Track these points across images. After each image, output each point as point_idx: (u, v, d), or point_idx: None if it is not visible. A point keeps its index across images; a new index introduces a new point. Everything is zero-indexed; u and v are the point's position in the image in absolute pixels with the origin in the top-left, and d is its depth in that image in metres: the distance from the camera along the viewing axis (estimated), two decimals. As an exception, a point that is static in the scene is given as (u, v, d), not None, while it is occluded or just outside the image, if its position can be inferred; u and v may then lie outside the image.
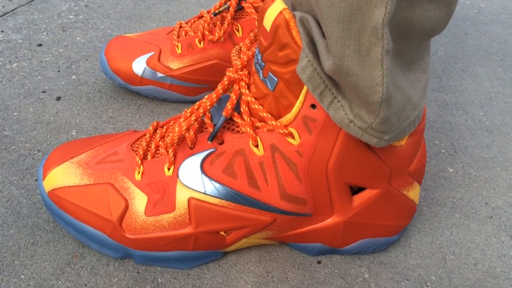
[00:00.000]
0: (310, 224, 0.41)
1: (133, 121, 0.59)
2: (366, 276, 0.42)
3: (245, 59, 0.40)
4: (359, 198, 0.40)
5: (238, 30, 0.57)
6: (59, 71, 0.67)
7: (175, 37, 0.60)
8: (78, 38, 0.75)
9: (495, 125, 0.63)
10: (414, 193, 0.42)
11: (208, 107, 0.39)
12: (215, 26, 0.58)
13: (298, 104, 0.36)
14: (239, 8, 0.58)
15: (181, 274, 0.41)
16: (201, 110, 0.39)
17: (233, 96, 0.39)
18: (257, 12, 0.57)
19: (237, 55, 0.41)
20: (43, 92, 0.62)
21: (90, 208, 0.41)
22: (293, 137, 0.37)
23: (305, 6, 0.34)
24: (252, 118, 0.39)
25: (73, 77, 0.66)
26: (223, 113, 0.39)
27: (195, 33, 0.59)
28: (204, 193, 0.39)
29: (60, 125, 0.57)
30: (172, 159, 0.40)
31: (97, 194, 0.41)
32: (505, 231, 0.48)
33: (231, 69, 0.40)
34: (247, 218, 0.40)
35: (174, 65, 0.59)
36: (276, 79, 0.36)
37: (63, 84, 0.64)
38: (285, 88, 0.36)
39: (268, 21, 0.35)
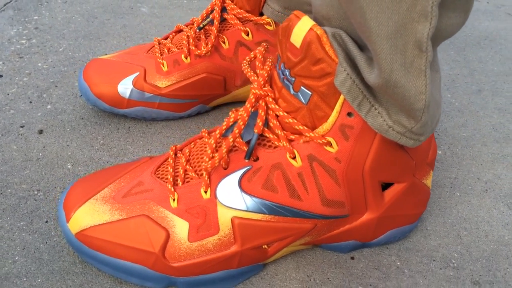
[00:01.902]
0: (345, 224, 0.43)
1: (127, 145, 0.57)
2: (398, 263, 0.45)
3: (266, 75, 0.41)
4: (389, 193, 0.43)
5: (224, 42, 0.58)
6: (30, 102, 0.63)
7: (159, 55, 0.59)
8: (40, 64, 0.71)
9: (464, 105, 0.68)
10: (429, 180, 0.46)
11: (242, 127, 0.40)
12: (199, 40, 0.58)
13: (334, 113, 0.37)
14: (222, 20, 0.58)
15: (232, 293, 0.42)
16: (236, 131, 0.39)
17: (261, 112, 0.40)
18: (241, 23, 0.57)
19: (248, 68, 0.42)
20: (22, 127, 0.59)
21: (127, 243, 0.40)
22: (331, 146, 0.38)
23: (335, 21, 0.36)
24: (285, 132, 0.40)
25: (49, 106, 0.63)
26: (255, 130, 0.40)
27: (179, 49, 0.59)
28: (247, 211, 0.40)
29: (51, 160, 0.54)
30: (208, 182, 0.41)
31: (133, 228, 0.41)
32: (502, 201, 0.52)
33: (254, 85, 0.41)
34: (290, 228, 0.41)
35: (162, 83, 0.58)
36: (310, 93, 0.37)
37: (40, 116, 0.61)
38: (320, 100, 0.37)
39: (297, 38, 0.36)
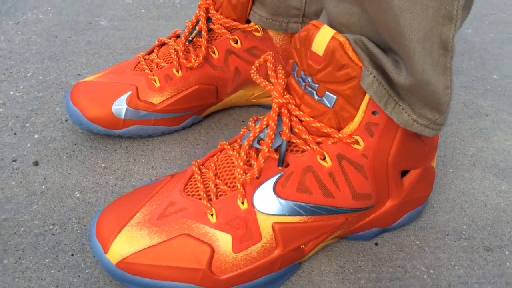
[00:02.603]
0: (371, 214, 0.46)
1: (130, 165, 0.57)
2: (418, 242, 0.49)
3: (283, 83, 0.43)
4: (407, 180, 0.46)
5: (214, 52, 0.59)
6: (15, 133, 0.61)
7: (148, 71, 0.59)
8: (12, 93, 0.68)
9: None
10: (435, 162, 0.50)
11: (273, 136, 0.41)
12: (188, 52, 0.59)
13: (360, 113, 0.40)
14: (208, 31, 0.59)
15: (279, 295, 0.44)
16: (268, 140, 0.41)
17: (286, 120, 0.42)
18: (229, 31, 0.58)
19: (257, 75, 0.43)
20: (14, 161, 0.57)
21: (172, 264, 0.41)
22: (358, 143, 0.41)
23: (355, 27, 0.38)
24: (312, 135, 0.42)
25: (36, 136, 0.61)
26: (283, 137, 0.42)
27: (169, 63, 0.59)
28: (285, 215, 0.42)
29: (57, 191, 0.53)
30: (244, 193, 0.42)
31: (176, 248, 0.41)
32: (490, 172, 0.58)
33: (274, 94, 0.42)
34: (326, 225, 0.43)
35: (156, 99, 0.58)
36: (335, 96, 0.40)
37: (30, 147, 0.59)
38: (345, 102, 0.40)
39: (319, 46, 0.38)
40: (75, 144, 0.60)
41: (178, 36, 0.62)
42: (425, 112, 0.38)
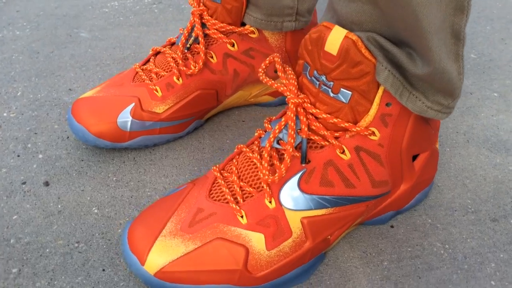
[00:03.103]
0: (387, 199, 0.49)
1: (141, 176, 0.58)
2: (430, 221, 0.52)
3: (295, 83, 0.45)
4: (417, 163, 0.49)
5: (212, 57, 0.60)
6: (18, 156, 0.60)
7: (148, 81, 0.59)
8: (5, 114, 0.67)
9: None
10: (437, 144, 0.53)
11: (295, 135, 0.43)
12: (187, 59, 0.60)
13: (375, 106, 0.42)
14: (204, 36, 0.60)
15: (307, 287, 0.46)
16: (291, 140, 0.43)
17: (303, 118, 0.44)
18: (225, 35, 0.60)
19: (266, 77, 0.45)
20: (23, 183, 0.57)
21: (210, 267, 0.42)
22: (374, 134, 0.43)
23: (367, 25, 0.40)
24: (329, 131, 0.44)
25: (40, 156, 0.60)
26: (302, 135, 0.44)
27: (168, 71, 0.60)
28: (312, 209, 0.44)
29: (74, 209, 0.53)
30: (270, 192, 0.44)
31: (211, 252, 0.43)
32: (483, 147, 0.61)
33: (288, 94, 0.44)
34: (349, 214, 0.46)
35: (160, 108, 0.59)
36: (350, 92, 0.42)
37: (37, 168, 0.59)
38: (360, 97, 0.42)
39: (333, 46, 0.40)
40: (82, 160, 0.60)
41: (172, 44, 0.63)
42: (438, 98, 0.41)
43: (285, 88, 0.45)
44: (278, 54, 0.47)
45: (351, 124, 0.43)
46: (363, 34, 0.40)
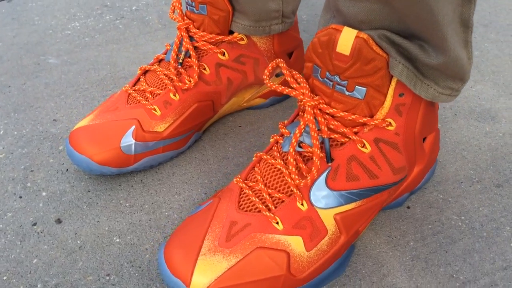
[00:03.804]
0: (404, 183, 0.51)
1: (154, 197, 0.57)
2: (441, 196, 0.55)
3: (307, 86, 0.46)
4: (426, 145, 0.51)
5: (205, 69, 0.60)
6: (20, 197, 0.59)
7: (145, 102, 0.59)
8: (-7, 156, 0.65)
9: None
10: (437, 123, 0.56)
11: (318, 136, 0.44)
12: (180, 75, 0.60)
13: (389, 98, 0.44)
14: (194, 49, 0.60)
15: (344, 279, 0.47)
16: (317, 142, 0.44)
17: (321, 119, 0.45)
18: (215, 46, 0.60)
19: (269, 81, 0.46)
20: (34, 224, 0.55)
21: (254, 278, 0.43)
22: (390, 125, 0.45)
23: (376, 23, 0.42)
24: (348, 128, 0.45)
25: (44, 194, 0.59)
26: (323, 135, 0.45)
27: (163, 89, 0.59)
28: (342, 205, 0.45)
29: (95, 242, 0.53)
30: (301, 195, 0.45)
31: (254, 262, 0.43)
32: (471, 118, 0.65)
33: (302, 98, 0.45)
34: (375, 204, 0.47)
35: (161, 127, 0.59)
36: (365, 88, 0.43)
37: (44, 206, 0.57)
38: (374, 91, 0.44)
39: (344, 47, 0.42)
40: (89, 191, 0.59)
41: (160, 61, 0.62)
42: (449, 84, 0.43)
43: (297, 92, 0.46)
44: (282, 60, 0.48)
45: (369, 119, 0.44)
46: (373, 32, 0.41)
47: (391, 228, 0.52)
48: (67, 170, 0.62)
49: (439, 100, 0.44)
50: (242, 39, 0.60)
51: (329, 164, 0.45)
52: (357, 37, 0.41)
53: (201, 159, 0.62)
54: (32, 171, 0.62)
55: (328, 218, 0.45)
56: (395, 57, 0.41)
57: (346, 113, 0.45)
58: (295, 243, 0.44)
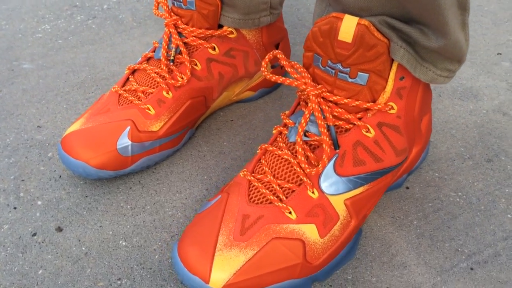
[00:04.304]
0: (404, 165, 0.53)
1: (155, 197, 0.57)
2: (437, 174, 0.57)
3: (309, 75, 0.47)
4: (423, 126, 0.53)
5: (196, 65, 0.60)
6: (15, 208, 0.57)
7: (138, 102, 0.58)
8: (-21, 168, 0.63)
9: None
10: (428, 104, 0.57)
11: (325, 125, 0.45)
12: (172, 72, 0.59)
13: (390, 82, 0.45)
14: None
15: (356, 262, 0.49)
16: (324, 130, 0.45)
17: (325, 107, 0.46)
18: (205, 41, 0.60)
19: (268, 74, 0.47)
20: (34, 235, 0.54)
21: (272, 268, 0.44)
22: (392, 108, 0.47)
23: (376, 9, 0.43)
24: (352, 114, 0.46)
25: (39, 203, 0.57)
26: (329, 123, 0.46)
27: (155, 87, 0.59)
28: (351, 190, 0.46)
29: (101, 247, 0.52)
30: (311, 183, 0.46)
31: (271, 253, 0.44)
32: (455, 97, 0.68)
33: (304, 87, 0.46)
34: (381, 187, 0.49)
35: (156, 126, 0.58)
36: (367, 74, 0.44)
37: (41, 216, 0.56)
38: (376, 76, 0.45)
39: (346, 35, 0.43)
40: (87, 197, 0.57)
41: (149, 59, 0.61)
42: (446, 66, 0.45)
43: (299, 82, 0.46)
44: (280, 51, 0.48)
45: (372, 104, 0.45)
46: (374, 19, 0.42)
47: (394, 209, 0.53)
48: (60, 176, 0.60)
49: (437, 82, 0.46)
50: (232, 32, 0.60)
51: (337, 150, 0.46)
52: (358, 24, 0.42)
53: (197, 156, 0.62)
54: (23, 180, 0.60)
55: (339, 204, 0.46)
56: (396, 42, 0.42)
57: (350, 100, 0.45)
58: (309, 231, 0.45)
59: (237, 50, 0.62)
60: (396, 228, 0.51)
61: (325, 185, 0.46)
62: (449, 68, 0.45)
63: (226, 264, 0.43)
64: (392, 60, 0.44)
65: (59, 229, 0.54)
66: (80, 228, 0.54)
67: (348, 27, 0.42)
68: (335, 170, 0.46)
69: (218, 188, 0.58)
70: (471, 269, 0.47)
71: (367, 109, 0.46)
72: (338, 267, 0.48)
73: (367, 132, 0.46)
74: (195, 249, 0.44)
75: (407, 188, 0.55)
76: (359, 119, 0.46)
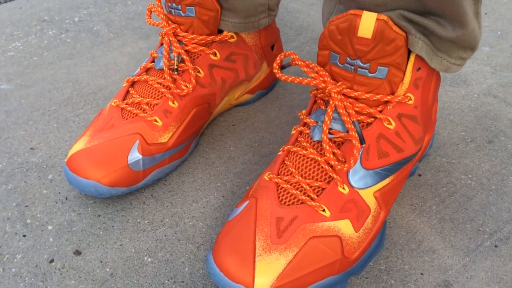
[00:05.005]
0: (419, 153, 0.54)
1: (172, 209, 0.56)
2: (445, 160, 0.59)
3: (327, 73, 0.47)
4: (433, 114, 0.55)
5: (199, 72, 0.59)
6: (24, 235, 0.54)
7: (144, 114, 0.57)
8: (-25, 198, 0.59)
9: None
10: (429, 92, 0.59)
11: (350, 120, 0.46)
12: (176, 81, 0.58)
13: (408, 74, 0.47)
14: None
15: (386, 252, 0.50)
16: (350, 126, 0.45)
17: (347, 104, 0.47)
18: (206, 47, 0.59)
19: (282, 75, 0.47)
20: (51, 261, 0.51)
21: (313, 267, 0.44)
22: (410, 99, 0.48)
23: (391, 4, 0.44)
24: (373, 108, 0.47)
25: (50, 227, 0.55)
26: (353, 119, 0.46)
27: (159, 98, 0.58)
28: (379, 182, 0.47)
29: (126, 266, 0.50)
30: (341, 180, 0.46)
31: (311, 252, 0.44)
32: (446, 85, 0.70)
33: (324, 86, 0.46)
34: (403, 176, 0.50)
35: (164, 137, 0.57)
36: (387, 68, 0.45)
37: (54, 241, 0.53)
38: (395, 69, 0.46)
39: (366, 31, 0.43)
40: (99, 216, 0.56)
41: (148, 70, 0.60)
42: (460, 54, 0.46)
43: (317, 81, 0.47)
44: (293, 52, 0.48)
45: (392, 96, 0.46)
46: (391, 13, 0.43)
47: (411, 197, 0.55)
48: (67, 198, 0.58)
49: (451, 70, 0.47)
50: (232, 37, 0.60)
51: (363, 145, 0.47)
52: (377, 19, 0.42)
53: (206, 164, 0.61)
54: (27, 206, 0.57)
55: (369, 197, 0.46)
56: (414, 35, 0.43)
57: (371, 94, 0.46)
58: (345, 227, 0.45)
59: (238, 54, 0.61)
60: (417, 215, 0.53)
61: (354, 179, 0.46)
62: (463, 56, 0.47)
63: (269, 268, 0.43)
64: (409, 53, 0.45)
65: (78, 252, 0.52)
66: (99, 249, 0.52)
67: (367, 23, 0.43)
68: (361, 164, 0.47)
69: (234, 193, 0.57)
70: (495, 246, 0.49)
71: (386, 102, 0.47)
72: (370, 259, 0.49)
73: (388, 124, 0.47)
74: (234, 257, 0.44)
75: (420, 175, 0.57)
76: (380, 112, 0.47)
